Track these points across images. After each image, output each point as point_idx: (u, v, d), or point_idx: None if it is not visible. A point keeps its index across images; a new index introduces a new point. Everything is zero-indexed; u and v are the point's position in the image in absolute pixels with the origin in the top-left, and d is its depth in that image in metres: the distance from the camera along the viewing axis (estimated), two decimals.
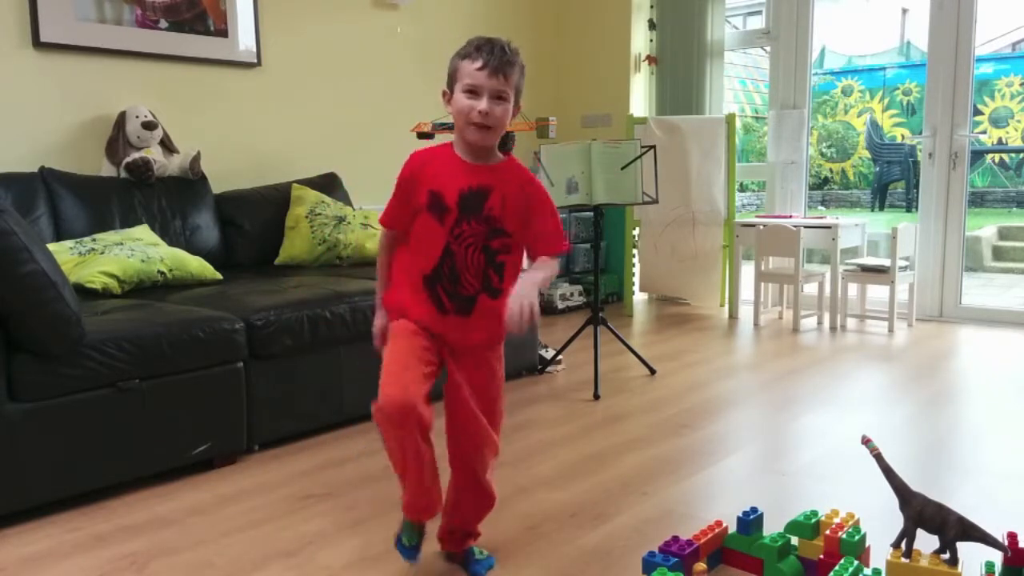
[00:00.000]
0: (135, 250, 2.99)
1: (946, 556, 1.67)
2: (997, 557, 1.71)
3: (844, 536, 1.75)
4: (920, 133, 4.88)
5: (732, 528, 1.89)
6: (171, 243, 3.30)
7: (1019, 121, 10.02)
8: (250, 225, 3.69)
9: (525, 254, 1.87)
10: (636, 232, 5.30)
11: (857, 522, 1.82)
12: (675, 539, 1.79)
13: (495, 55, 1.70)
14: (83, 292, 2.69)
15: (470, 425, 1.81)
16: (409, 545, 1.83)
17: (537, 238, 1.83)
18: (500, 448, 1.87)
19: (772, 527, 1.89)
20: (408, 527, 1.83)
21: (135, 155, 3.41)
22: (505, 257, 1.79)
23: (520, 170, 1.84)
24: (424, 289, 1.76)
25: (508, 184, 1.78)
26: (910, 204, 9.55)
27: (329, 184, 3.98)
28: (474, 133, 1.73)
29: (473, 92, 1.71)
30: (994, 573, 1.64)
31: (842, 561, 1.66)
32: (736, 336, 4.54)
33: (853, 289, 4.86)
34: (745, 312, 5.02)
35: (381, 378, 1.72)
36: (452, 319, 1.76)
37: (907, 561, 1.68)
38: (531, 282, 1.70)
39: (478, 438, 1.82)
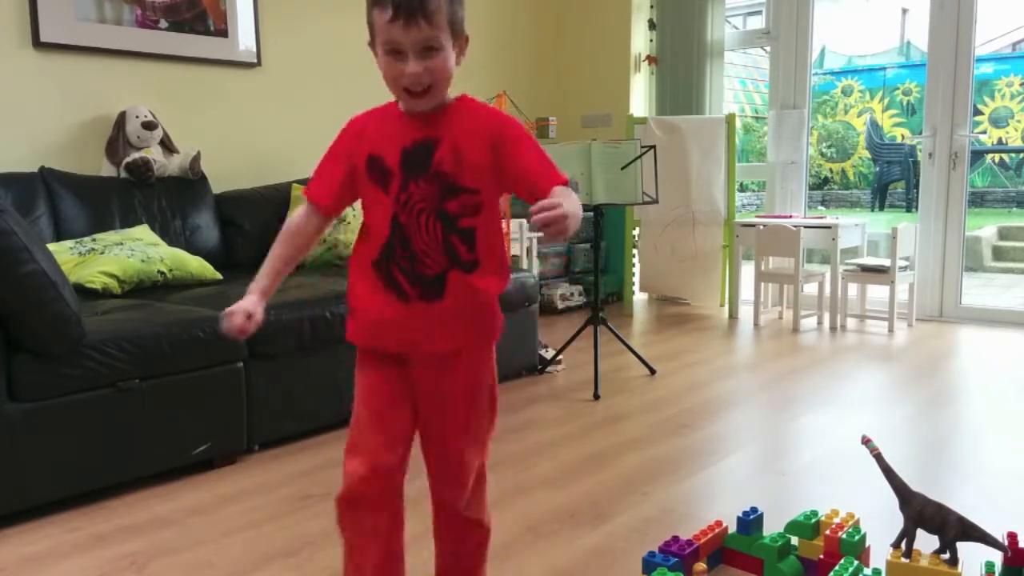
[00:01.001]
0: (135, 250, 3.00)
1: (946, 556, 1.67)
2: (997, 557, 1.71)
3: (844, 536, 1.75)
4: (920, 133, 4.88)
5: (732, 528, 1.89)
6: (171, 243, 3.30)
7: (1019, 121, 10.03)
8: (250, 225, 3.70)
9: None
10: (636, 232, 5.31)
11: (857, 522, 1.82)
12: (675, 539, 1.79)
13: None
14: (83, 292, 2.70)
15: (445, 461, 1.51)
16: None
17: (523, 178, 1.42)
18: (485, 477, 1.58)
19: (772, 527, 1.89)
20: None
21: (135, 155, 3.41)
22: (472, 220, 1.39)
23: (476, 109, 1.44)
24: (378, 276, 1.42)
25: (462, 130, 1.40)
26: (910, 204, 9.55)
27: None
28: (411, 101, 1.37)
29: (395, 51, 1.32)
30: (994, 573, 1.64)
31: (842, 561, 1.66)
32: (736, 336, 4.54)
33: (853, 289, 4.86)
34: (745, 312, 5.02)
35: (347, 440, 1.47)
36: (418, 306, 1.39)
37: (907, 561, 1.68)
38: (575, 208, 1.31)
39: (455, 478, 1.51)
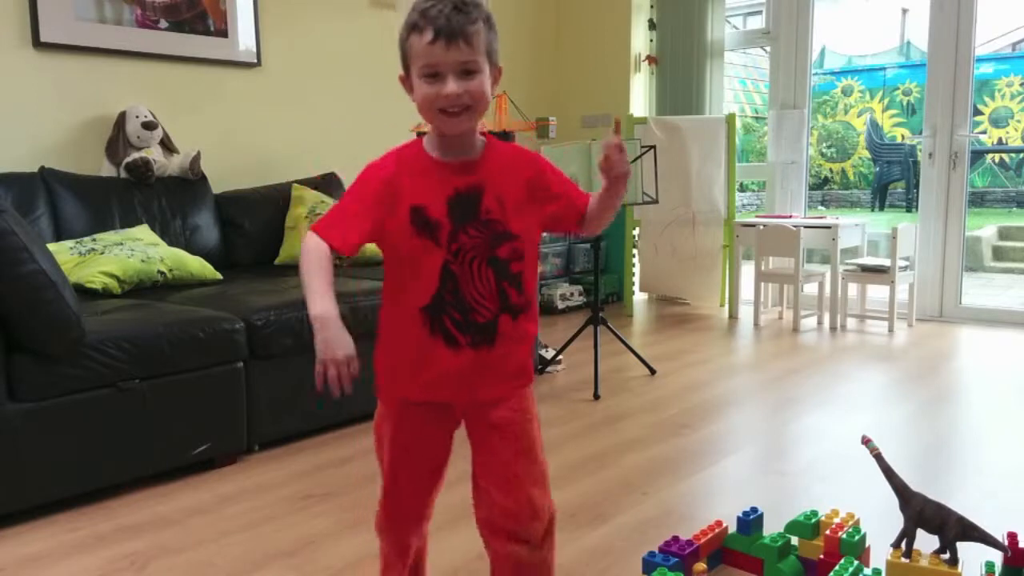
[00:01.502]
0: (135, 250, 3.00)
1: (946, 556, 1.67)
2: (997, 557, 1.71)
3: (844, 536, 1.75)
4: (920, 133, 4.88)
5: (732, 528, 1.89)
6: (171, 243, 3.30)
7: (1019, 121, 10.03)
8: (250, 225, 3.70)
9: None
10: (636, 232, 5.31)
11: (857, 522, 1.82)
12: (675, 539, 1.79)
13: (447, 17, 1.28)
14: (83, 292, 2.70)
15: (512, 498, 1.44)
16: None
17: (566, 195, 1.48)
18: (554, 510, 1.52)
19: (772, 527, 1.89)
20: None
21: (135, 155, 3.41)
22: (520, 265, 1.40)
23: (513, 153, 1.46)
24: (425, 326, 1.38)
25: (503, 176, 1.41)
26: (910, 204, 9.55)
27: (329, 184, 3.98)
28: (447, 122, 1.34)
29: (434, 74, 1.31)
30: (994, 573, 1.64)
31: (842, 561, 1.66)
32: (736, 336, 4.54)
33: (853, 289, 4.86)
34: (745, 312, 5.02)
35: (384, 500, 1.51)
36: (468, 354, 1.38)
37: (907, 561, 1.68)
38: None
39: (529, 514, 1.45)
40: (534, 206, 1.43)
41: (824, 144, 11.29)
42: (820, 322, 4.83)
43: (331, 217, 1.39)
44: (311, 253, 1.34)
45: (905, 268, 4.63)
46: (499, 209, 1.39)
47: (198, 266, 3.15)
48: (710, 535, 1.84)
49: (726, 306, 5.12)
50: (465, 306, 1.38)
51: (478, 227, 1.37)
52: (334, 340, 1.33)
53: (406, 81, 1.37)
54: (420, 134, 3.88)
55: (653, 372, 3.66)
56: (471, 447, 1.48)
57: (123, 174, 3.41)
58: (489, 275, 1.38)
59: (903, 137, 10.44)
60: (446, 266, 1.37)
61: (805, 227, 4.66)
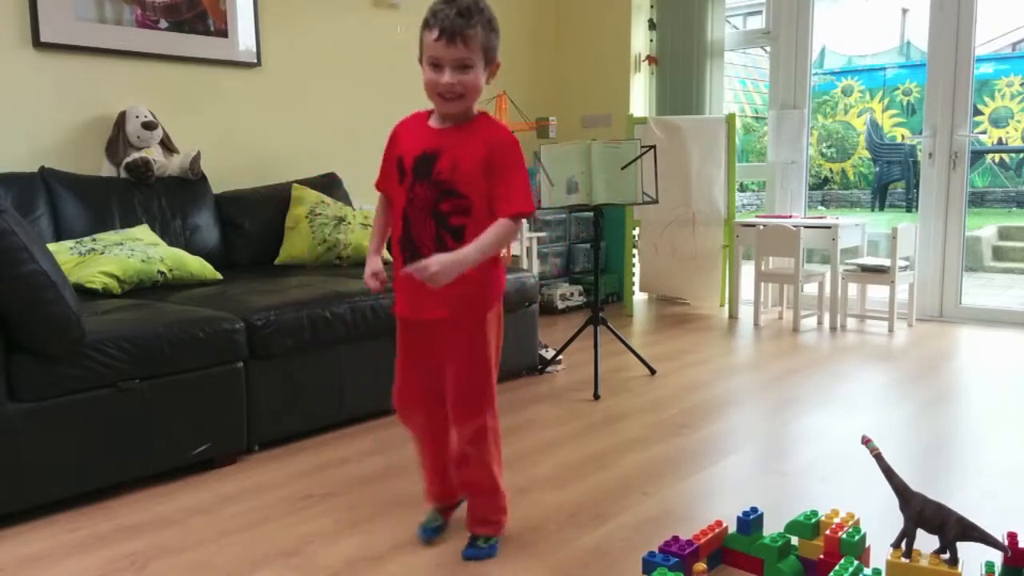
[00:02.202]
0: (135, 250, 3.00)
1: (946, 556, 1.67)
2: (997, 557, 1.71)
3: (844, 536, 1.75)
4: (920, 133, 4.88)
5: (732, 528, 1.89)
6: (171, 243, 3.30)
7: (1019, 121, 10.03)
8: (250, 225, 3.69)
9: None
10: (636, 232, 5.31)
11: (857, 522, 1.82)
12: (675, 539, 1.79)
13: (450, 20, 1.62)
14: (83, 292, 2.70)
15: (450, 402, 1.87)
16: (426, 527, 2.01)
17: (492, 199, 1.76)
18: (493, 429, 1.89)
19: (772, 527, 1.89)
20: (428, 513, 2.04)
21: (135, 155, 3.41)
22: (462, 219, 1.75)
23: (488, 128, 1.78)
24: (399, 256, 1.82)
25: (464, 145, 1.74)
26: (910, 204, 9.55)
27: (329, 184, 3.98)
28: (442, 104, 1.73)
29: (436, 65, 1.67)
30: (994, 573, 1.64)
31: (842, 561, 1.66)
32: (736, 336, 4.54)
33: (853, 289, 4.86)
34: (745, 312, 5.02)
35: (392, 389, 1.96)
36: (416, 282, 1.72)
37: (907, 561, 1.68)
38: (452, 260, 1.68)
39: (458, 415, 1.87)
40: (488, 179, 1.75)
41: (824, 144, 11.29)
42: (820, 322, 4.83)
43: (380, 172, 1.90)
44: (378, 205, 1.95)
45: (905, 268, 4.63)
46: (449, 171, 1.74)
47: (198, 266, 3.15)
48: (710, 535, 1.83)
49: (726, 306, 5.12)
50: (415, 245, 1.78)
51: (429, 184, 1.75)
52: (367, 266, 1.92)
53: (421, 63, 1.73)
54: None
55: (653, 372, 3.66)
56: None
57: (123, 174, 3.41)
58: (431, 224, 1.76)
59: (903, 137, 10.44)
60: (405, 210, 1.78)
61: (805, 227, 4.66)
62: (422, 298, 1.78)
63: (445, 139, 1.75)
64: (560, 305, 5.13)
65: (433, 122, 1.80)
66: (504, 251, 2.01)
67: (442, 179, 1.74)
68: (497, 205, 1.75)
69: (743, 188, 10.42)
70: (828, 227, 4.66)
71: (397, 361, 1.93)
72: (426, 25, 1.66)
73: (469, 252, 1.71)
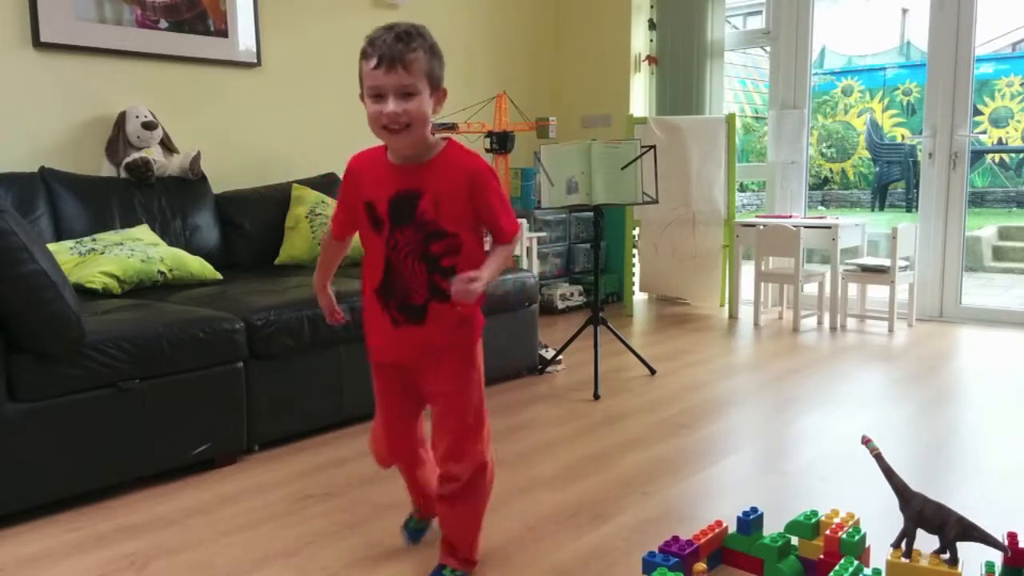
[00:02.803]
0: (135, 250, 3.00)
1: (946, 556, 1.67)
2: (997, 557, 1.71)
3: (844, 536, 1.75)
4: (920, 133, 4.88)
5: (732, 528, 1.89)
6: (171, 243, 3.30)
7: (1019, 121, 10.03)
8: (250, 225, 3.69)
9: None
10: (636, 232, 5.30)
11: (857, 522, 1.82)
12: (675, 539, 1.79)
13: (388, 46, 1.51)
14: (83, 292, 2.70)
15: (444, 444, 1.74)
16: (411, 528, 2.00)
17: (492, 229, 1.70)
18: (487, 465, 1.77)
19: (772, 527, 1.89)
20: (412, 514, 2.01)
21: (135, 155, 3.41)
22: (453, 259, 1.64)
23: (459, 159, 1.65)
24: (377, 304, 1.70)
25: (442, 182, 1.62)
26: (910, 204, 9.55)
27: (329, 184, 3.98)
28: (390, 137, 1.59)
29: (378, 95, 1.54)
30: (994, 573, 1.64)
31: (842, 561, 1.66)
32: (736, 336, 4.54)
33: (853, 289, 4.86)
34: (745, 312, 5.02)
35: (371, 436, 1.91)
36: (405, 330, 1.68)
37: (907, 561, 1.68)
38: (487, 271, 1.61)
39: (453, 457, 1.73)
40: (472, 211, 1.65)
41: (824, 144, 11.29)
42: (820, 322, 4.82)
43: (334, 215, 1.81)
44: (321, 247, 1.89)
45: (905, 268, 4.63)
46: (434, 210, 1.62)
47: (198, 266, 3.15)
48: (710, 535, 1.83)
49: (726, 306, 5.12)
50: (403, 292, 1.66)
51: (413, 227, 1.63)
52: (320, 304, 1.89)
53: (363, 99, 1.60)
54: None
55: (653, 372, 3.66)
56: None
57: (123, 174, 3.41)
58: (422, 269, 1.64)
59: (903, 137, 10.44)
60: (388, 259, 1.66)
61: (805, 227, 4.66)
62: (423, 340, 1.69)
63: (420, 177, 1.62)
64: (560, 305, 5.13)
65: (395, 159, 1.65)
66: None
67: (427, 219, 1.61)
68: (497, 235, 1.70)
69: (743, 188, 10.42)
70: (828, 227, 4.66)
71: (379, 408, 1.84)
72: (364, 55, 1.55)
73: (494, 266, 1.64)
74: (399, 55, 1.52)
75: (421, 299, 1.65)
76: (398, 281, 1.65)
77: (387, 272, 1.66)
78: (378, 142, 1.68)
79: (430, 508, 1.96)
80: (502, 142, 3.99)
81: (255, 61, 4.06)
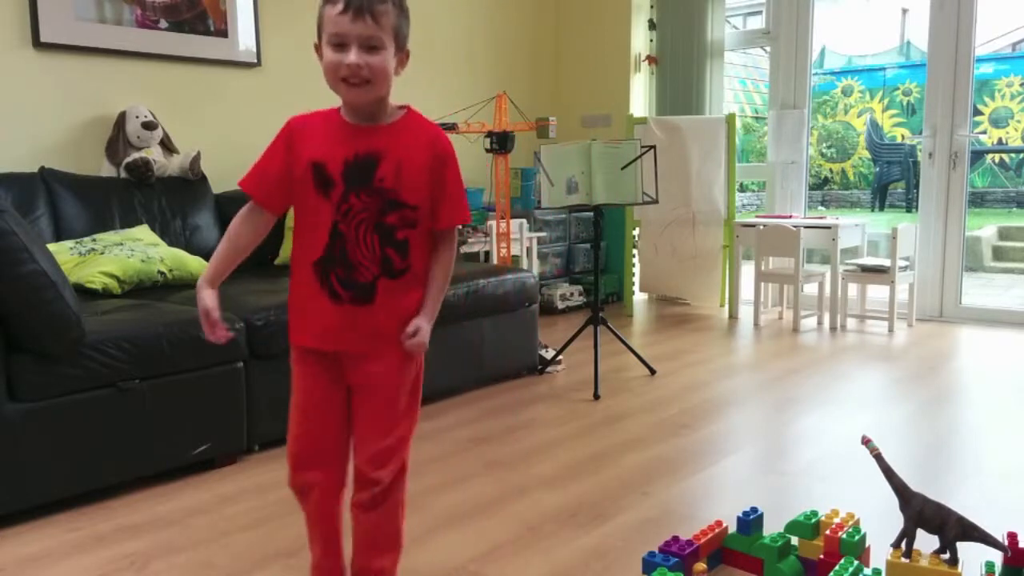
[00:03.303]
0: (135, 250, 3.00)
1: (946, 556, 1.67)
2: (997, 557, 1.71)
3: (844, 536, 1.75)
4: (920, 133, 4.88)
5: (732, 528, 1.89)
6: (171, 243, 3.30)
7: (1019, 121, 10.03)
8: None
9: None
10: (636, 232, 5.30)
11: (857, 522, 1.82)
12: (675, 539, 1.79)
13: None
14: (83, 292, 2.69)
15: (368, 446, 1.57)
16: None
17: (436, 205, 1.53)
18: (407, 466, 1.62)
19: (772, 527, 1.89)
20: None
21: (135, 155, 3.41)
22: (407, 232, 1.50)
23: (424, 127, 1.53)
24: (316, 279, 1.50)
25: (406, 147, 1.49)
26: (910, 204, 9.55)
27: None
28: (348, 91, 1.45)
29: (340, 44, 1.42)
30: (994, 573, 1.64)
31: (842, 561, 1.66)
32: (736, 336, 4.54)
33: (853, 289, 4.86)
34: (745, 312, 5.02)
35: (288, 439, 1.61)
36: (348, 309, 1.49)
37: (907, 561, 1.68)
38: (429, 324, 1.53)
39: (376, 461, 1.56)
40: (430, 186, 1.51)
41: (824, 144, 11.29)
42: (820, 322, 4.82)
43: (251, 172, 1.56)
44: (236, 217, 1.57)
45: (905, 268, 4.63)
46: (394, 178, 1.47)
47: (198, 266, 3.15)
48: (710, 535, 1.83)
49: (726, 306, 5.12)
50: (349, 264, 1.48)
51: (369, 192, 1.47)
52: (198, 299, 1.52)
53: (319, 49, 1.49)
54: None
55: (653, 372, 3.66)
56: (352, 397, 1.59)
57: (123, 174, 3.41)
58: (374, 240, 1.48)
59: (903, 137, 10.44)
60: (335, 225, 1.47)
61: (805, 227, 4.66)
62: (369, 325, 1.51)
63: (381, 139, 1.48)
64: (560, 305, 5.13)
65: (351, 118, 1.50)
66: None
67: (385, 187, 1.46)
68: (440, 216, 1.54)
69: (743, 188, 10.42)
70: (828, 227, 4.66)
71: (297, 406, 1.60)
72: (328, 0, 1.43)
73: (436, 301, 1.55)
74: (368, 4, 1.40)
75: (370, 275, 1.48)
76: (344, 252, 1.47)
77: (332, 241, 1.48)
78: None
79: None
80: (502, 142, 3.99)
81: (255, 61, 4.06)
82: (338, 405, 1.58)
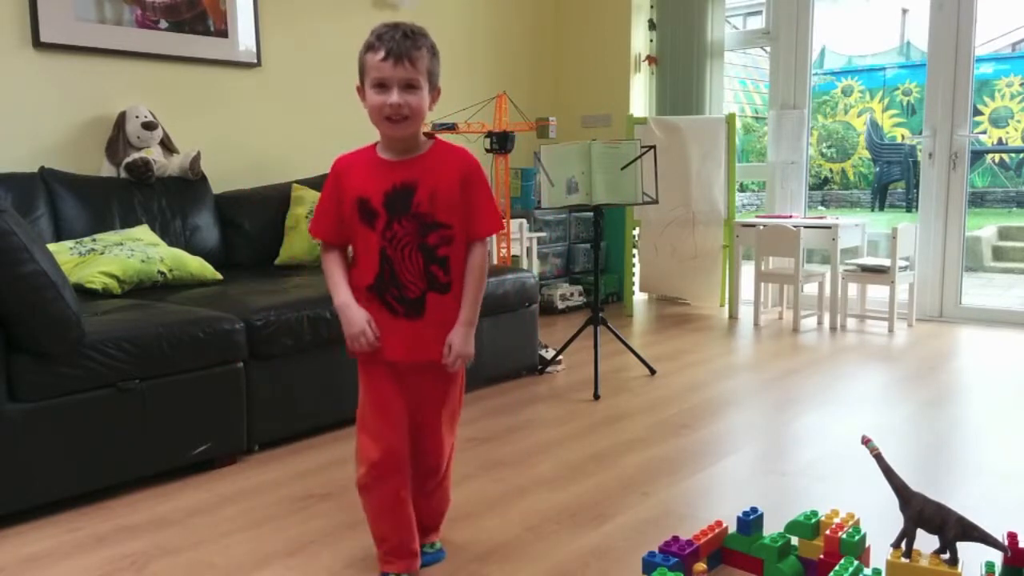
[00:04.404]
0: (135, 250, 3.00)
1: (946, 556, 1.67)
2: (997, 557, 1.71)
3: (844, 536, 1.75)
4: (920, 133, 4.88)
5: (732, 528, 1.89)
6: (171, 243, 3.30)
7: (1019, 121, 10.02)
8: (250, 225, 3.70)
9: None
10: (636, 232, 5.30)
11: (857, 522, 1.82)
12: (675, 539, 1.79)
13: (397, 42, 1.62)
14: (83, 292, 2.70)
15: (429, 442, 1.85)
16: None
17: (471, 218, 1.75)
18: (455, 446, 1.93)
19: (772, 527, 1.89)
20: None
21: (135, 155, 3.41)
22: (447, 250, 1.73)
23: (450, 153, 1.75)
24: (375, 298, 1.73)
25: (437, 174, 1.71)
26: (910, 204, 9.55)
27: None
28: (390, 127, 1.67)
29: (382, 86, 1.64)
30: (994, 573, 1.64)
31: (842, 561, 1.66)
32: (736, 336, 4.54)
33: (853, 289, 4.86)
34: (745, 312, 5.02)
35: (360, 433, 1.78)
36: (403, 322, 1.73)
37: (907, 561, 1.68)
38: (466, 329, 1.75)
39: (437, 454, 1.87)
40: (463, 204, 1.73)
41: (824, 144, 11.29)
42: (820, 322, 4.82)
43: (315, 213, 1.81)
44: (322, 254, 1.80)
45: (905, 268, 4.63)
46: (429, 202, 1.69)
47: (198, 266, 3.15)
48: (710, 535, 1.83)
49: (726, 306, 5.12)
50: (400, 284, 1.72)
51: (409, 218, 1.69)
52: (351, 320, 1.73)
53: (361, 91, 1.70)
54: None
55: (653, 372, 3.66)
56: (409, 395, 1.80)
57: (123, 174, 3.41)
58: (418, 259, 1.71)
59: (903, 137, 10.44)
60: (383, 251, 1.70)
61: (805, 227, 4.66)
62: (422, 337, 1.74)
63: (415, 170, 1.70)
64: (560, 305, 5.13)
65: (386, 155, 1.73)
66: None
67: (422, 211, 1.69)
68: (475, 228, 1.75)
69: (743, 188, 10.42)
70: (828, 227, 4.66)
71: (376, 417, 1.77)
72: (370, 48, 1.64)
73: (473, 311, 1.76)
74: (407, 51, 1.62)
75: (418, 291, 1.72)
76: (394, 274, 1.71)
77: (382, 265, 1.71)
78: (368, 142, 1.75)
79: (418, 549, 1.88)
80: (502, 142, 3.99)
81: (255, 61, 4.06)
82: (402, 409, 1.79)
